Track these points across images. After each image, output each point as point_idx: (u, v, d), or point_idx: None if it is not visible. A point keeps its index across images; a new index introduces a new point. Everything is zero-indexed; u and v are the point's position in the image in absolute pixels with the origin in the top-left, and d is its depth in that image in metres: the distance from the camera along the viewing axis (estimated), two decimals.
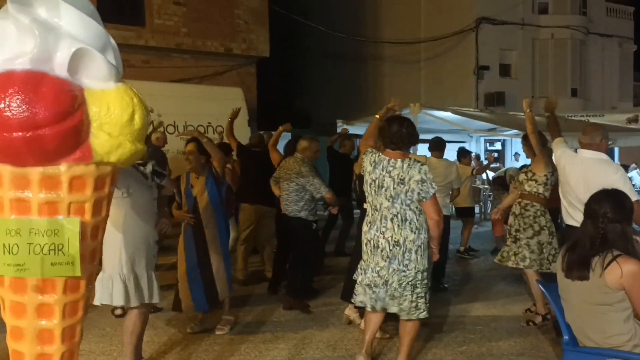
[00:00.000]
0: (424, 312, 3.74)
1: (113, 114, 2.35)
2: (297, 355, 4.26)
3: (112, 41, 2.17)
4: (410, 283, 3.68)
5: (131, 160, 2.52)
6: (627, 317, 2.46)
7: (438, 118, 11.74)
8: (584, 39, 19.40)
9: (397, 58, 18.83)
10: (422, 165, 3.66)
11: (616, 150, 15.86)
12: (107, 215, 2.47)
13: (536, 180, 5.02)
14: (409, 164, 3.64)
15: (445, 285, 6.22)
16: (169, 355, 4.27)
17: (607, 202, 2.55)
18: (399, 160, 3.67)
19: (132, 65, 11.63)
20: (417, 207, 3.67)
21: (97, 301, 3.57)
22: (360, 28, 19.24)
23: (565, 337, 2.64)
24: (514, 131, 12.11)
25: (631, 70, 21.20)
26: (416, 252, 3.66)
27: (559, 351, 4.25)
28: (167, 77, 12.09)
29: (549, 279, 4.88)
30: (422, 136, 4.72)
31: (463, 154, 9.11)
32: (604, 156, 4.20)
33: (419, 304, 3.71)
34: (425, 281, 3.74)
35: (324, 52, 20.08)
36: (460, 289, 6.32)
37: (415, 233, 3.67)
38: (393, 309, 3.74)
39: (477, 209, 12.76)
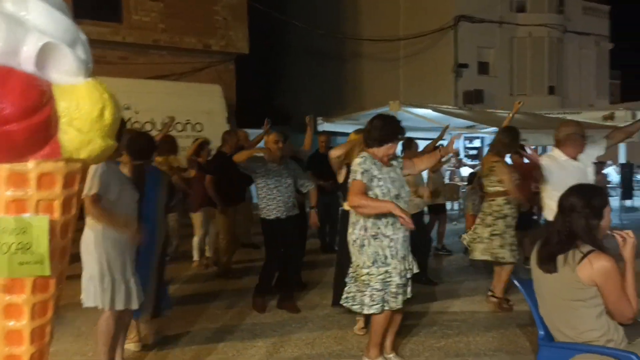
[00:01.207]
0: (362, 307, 3.69)
1: (83, 109, 2.30)
2: (276, 354, 4.25)
3: (82, 35, 2.13)
4: (352, 276, 3.77)
5: (102, 157, 2.47)
6: (600, 312, 2.49)
7: (417, 115, 11.80)
8: (561, 37, 19.66)
9: (376, 56, 18.89)
10: (359, 157, 3.70)
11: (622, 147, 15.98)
12: (77, 213, 2.43)
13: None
14: None
15: (432, 279, 6.31)
16: (145, 355, 4.22)
17: (573, 196, 2.60)
18: None
19: (109, 62, 11.50)
20: None
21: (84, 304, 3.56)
22: (341, 26, 19.26)
23: (541, 332, 2.67)
24: (493, 129, 12.20)
25: (607, 68, 21.55)
26: (352, 246, 3.72)
27: (536, 346, 4.32)
28: (144, 74, 11.98)
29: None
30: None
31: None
32: (550, 152, 4.46)
33: (359, 298, 3.69)
34: (364, 277, 3.67)
35: (304, 50, 20.08)
36: (438, 284, 6.35)
37: (350, 227, 3.76)
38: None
39: (457, 206, 12.90)
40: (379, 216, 3.62)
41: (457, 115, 12.64)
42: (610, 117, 15.56)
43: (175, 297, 5.77)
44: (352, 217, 3.78)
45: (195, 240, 7.30)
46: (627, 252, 2.51)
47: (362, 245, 3.67)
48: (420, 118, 11.62)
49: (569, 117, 14.61)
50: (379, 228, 3.64)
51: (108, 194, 3.49)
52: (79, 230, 3.57)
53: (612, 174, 14.66)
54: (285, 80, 21.04)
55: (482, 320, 5.08)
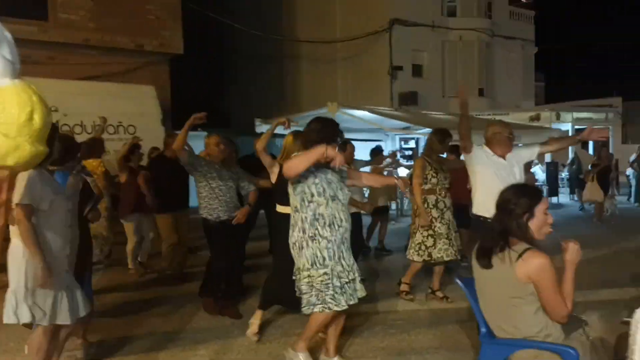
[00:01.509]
0: (309, 308, 3.67)
1: (9, 113, 2.16)
2: None
3: (8, 35, 2.00)
4: (297, 278, 3.77)
5: (31, 163, 2.33)
6: (538, 308, 2.57)
7: (355, 117, 11.93)
8: (489, 41, 20.40)
9: (314, 58, 18.97)
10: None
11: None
12: (5, 223, 2.29)
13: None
14: None
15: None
16: None
17: (507, 194, 2.71)
18: None
19: (36, 62, 10.93)
20: (293, 204, 3.73)
21: (4, 320, 3.32)
22: (279, 27, 19.20)
23: (483, 329, 2.73)
24: (427, 130, 12.51)
25: (533, 71, 22.54)
26: (292, 249, 3.73)
27: (476, 343, 4.43)
28: (74, 75, 11.48)
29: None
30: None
31: (375, 153, 9.27)
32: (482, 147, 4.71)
33: (306, 299, 3.68)
34: (306, 280, 3.66)
35: (243, 51, 19.90)
36: (379, 284, 6.42)
37: (290, 230, 3.78)
38: None
39: (393, 206, 13.11)
40: (316, 217, 3.62)
41: (393, 117, 12.88)
42: (537, 117, 16.36)
43: (112, 305, 5.57)
44: (292, 220, 3.76)
45: (129, 247, 7.03)
46: (568, 255, 2.61)
47: (301, 248, 3.66)
48: (358, 120, 11.75)
49: (498, 118, 15.23)
50: (316, 229, 3.63)
51: (41, 204, 3.30)
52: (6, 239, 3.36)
53: (538, 172, 15.35)
54: (225, 82, 20.78)
55: (423, 318, 5.17)
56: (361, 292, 3.82)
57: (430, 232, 5.50)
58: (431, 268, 5.79)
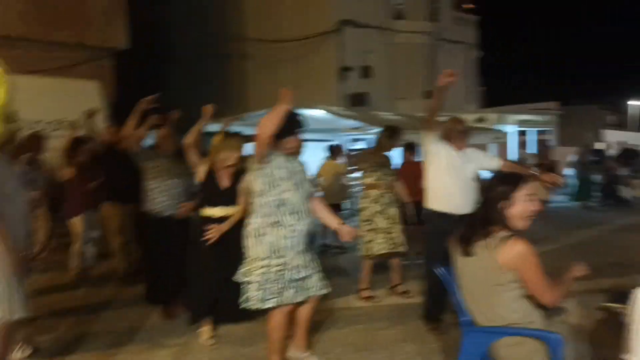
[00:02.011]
0: (261, 303, 3.54)
1: None
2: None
3: None
4: (244, 273, 3.63)
5: (4, 141, 2.14)
6: (519, 295, 2.56)
7: (306, 117, 11.85)
8: (434, 45, 20.79)
9: (262, 57, 18.78)
10: None
11: None
12: None
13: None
14: None
15: None
16: None
17: (490, 182, 2.73)
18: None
19: None
20: (257, 188, 3.62)
21: None
22: (225, 25, 18.92)
23: (463, 317, 2.70)
24: (378, 129, 12.61)
25: (475, 75, 23.14)
26: (249, 238, 3.61)
27: (438, 335, 4.45)
28: (12, 69, 10.82)
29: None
30: None
31: (334, 150, 9.26)
32: None
33: (256, 294, 3.55)
34: (261, 270, 3.53)
35: (189, 48, 19.47)
36: (336, 282, 6.34)
37: (251, 218, 3.66)
38: None
39: (347, 205, 13.12)
40: (282, 203, 3.51)
41: (345, 116, 12.92)
42: (481, 119, 16.82)
43: (60, 306, 5.26)
44: (254, 206, 3.62)
45: (76, 247, 6.62)
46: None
47: (262, 235, 3.53)
48: (307, 119, 11.68)
49: (441, 119, 15.54)
50: (281, 216, 3.52)
51: (4, 187, 3.04)
52: None
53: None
54: (170, 79, 20.24)
55: (385, 313, 5.15)
56: (324, 289, 3.73)
57: (372, 226, 5.53)
58: (389, 264, 5.78)
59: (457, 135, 4.61)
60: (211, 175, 4.35)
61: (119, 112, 12.90)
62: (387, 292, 5.73)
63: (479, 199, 2.72)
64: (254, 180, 3.57)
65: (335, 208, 8.63)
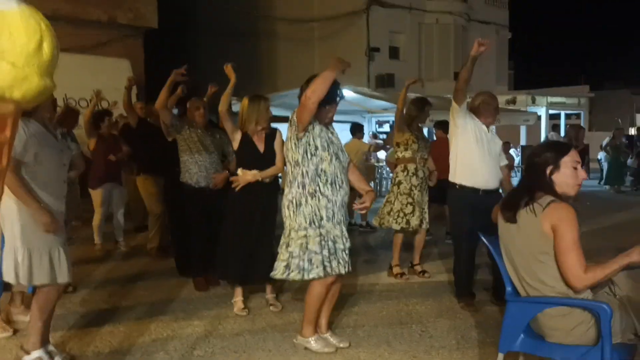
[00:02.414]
0: (302, 273, 3.48)
1: (17, 40, 1.94)
2: (215, 331, 3.99)
3: None
4: (285, 242, 3.57)
5: (38, 100, 2.13)
6: None
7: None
8: (465, 25, 20.44)
9: (291, 36, 18.68)
10: None
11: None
12: (8, 166, 2.08)
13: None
14: None
15: None
16: (71, 338, 3.82)
17: (534, 149, 2.66)
18: None
19: None
20: (293, 158, 3.54)
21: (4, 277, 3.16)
22: (254, 4, 18.82)
23: (508, 288, 2.64)
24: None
25: (506, 56, 22.72)
26: (287, 208, 3.55)
27: (471, 311, 4.40)
28: None
29: None
30: None
31: (357, 129, 9.17)
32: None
33: (297, 264, 3.50)
34: (301, 240, 3.48)
35: (217, 28, 19.45)
36: (367, 260, 6.34)
37: (286, 188, 3.62)
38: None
39: (372, 185, 13.06)
40: (319, 173, 3.47)
41: (374, 97, 12.80)
42: (513, 101, 16.52)
43: (89, 280, 5.33)
44: (290, 176, 3.58)
45: (95, 221, 6.63)
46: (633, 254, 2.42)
47: (299, 205, 3.48)
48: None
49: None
50: (318, 185, 3.47)
51: (24, 156, 3.07)
52: None
53: (514, 156, 15.55)
54: (197, 59, 20.27)
55: (416, 289, 5.11)
56: (348, 267, 3.63)
57: (410, 199, 5.47)
58: (412, 241, 5.71)
59: (490, 110, 4.49)
60: (246, 140, 4.36)
61: (148, 91, 13.01)
62: (408, 271, 5.65)
63: (525, 167, 2.66)
64: (292, 149, 3.53)
65: None
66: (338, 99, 3.58)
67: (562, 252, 2.39)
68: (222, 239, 4.52)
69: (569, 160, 2.56)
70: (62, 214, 3.30)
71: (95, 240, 6.66)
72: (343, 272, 3.54)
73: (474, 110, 4.58)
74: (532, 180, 2.57)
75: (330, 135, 3.59)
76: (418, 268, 5.66)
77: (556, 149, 2.61)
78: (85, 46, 12.08)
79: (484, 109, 4.52)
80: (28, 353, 3.25)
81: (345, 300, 4.65)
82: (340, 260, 3.51)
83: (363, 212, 3.83)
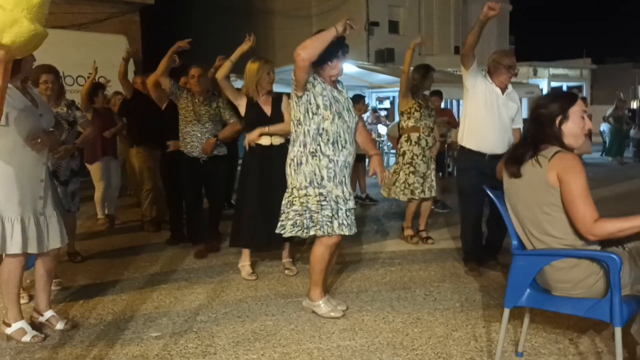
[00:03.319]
0: (304, 231, 3.46)
1: None
2: (218, 298, 3.97)
3: None
4: (288, 201, 3.53)
5: (29, 46, 2.05)
6: None
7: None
8: None
9: (288, 13, 18.47)
10: None
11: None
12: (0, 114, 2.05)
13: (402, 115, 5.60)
14: None
15: None
16: (73, 306, 3.80)
17: (538, 101, 2.60)
18: None
19: None
20: (295, 117, 3.49)
21: None
22: None
23: (514, 242, 2.59)
24: None
25: (507, 29, 22.47)
26: (289, 166, 3.51)
27: (475, 276, 4.37)
28: None
29: None
30: None
31: (356, 99, 9.08)
32: None
33: (300, 222, 3.47)
34: (302, 199, 3.44)
35: (213, 4, 19.20)
36: (368, 230, 6.30)
37: (290, 147, 3.59)
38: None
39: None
40: (320, 132, 3.40)
41: (375, 71, 12.68)
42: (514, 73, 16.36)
43: (89, 252, 5.30)
44: (292, 135, 3.55)
45: (97, 195, 6.61)
46: None
47: (300, 164, 3.44)
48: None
49: None
50: (319, 145, 3.41)
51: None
52: None
53: None
54: (193, 36, 20.06)
55: (419, 256, 5.08)
56: (353, 229, 3.53)
57: (412, 169, 5.46)
58: (418, 209, 5.68)
59: (500, 69, 4.35)
60: (251, 104, 4.32)
61: (145, 67, 12.88)
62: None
63: (529, 119, 2.58)
64: (294, 107, 3.46)
65: (360, 160, 8.50)
66: (341, 54, 3.48)
67: (571, 201, 2.33)
68: (236, 205, 4.58)
69: (577, 110, 2.50)
70: (41, 181, 3.21)
71: (98, 215, 6.65)
72: (346, 233, 3.48)
73: (488, 72, 4.46)
74: (538, 132, 2.51)
75: (335, 93, 3.49)
76: (423, 234, 5.65)
77: (564, 99, 2.54)
78: (82, 23, 11.93)
79: (494, 69, 4.37)
80: (9, 326, 3.22)
81: (348, 268, 4.64)
82: (343, 221, 3.45)
83: (380, 182, 3.75)
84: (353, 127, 3.57)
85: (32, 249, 3.16)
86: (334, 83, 3.53)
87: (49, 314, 3.40)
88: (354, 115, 3.59)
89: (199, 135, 5.00)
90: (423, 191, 5.47)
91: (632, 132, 14.52)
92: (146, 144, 6.21)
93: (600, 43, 50.13)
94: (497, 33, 21.60)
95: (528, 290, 2.55)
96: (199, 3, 19.90)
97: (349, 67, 11.50)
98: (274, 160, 4.20)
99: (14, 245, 3.08)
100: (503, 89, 4.41)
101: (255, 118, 4.31)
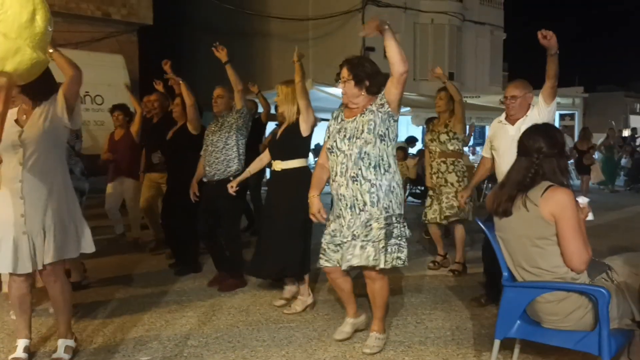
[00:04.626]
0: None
1: (9, 10, 1.92)
2: (209, 322, 3.96)
3: None
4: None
5: (31, 73, 2.09)
6: None
7: (330, 94, 11.77)
8: (460, 25, 20.45)
9: (285, 35, 18.62)
10: None
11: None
12: None
13: (458, 139, 5.40)
14: None
15: None
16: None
17: (540, 136, 2.56)
18: None
19: None
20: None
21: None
22: (248, 2, 18.78)
23: (505, 273, 2.62)
24: (406, 109, 12.48)
25: (501, 57, 22.75)
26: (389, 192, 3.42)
27: (467, 304, 4.38)
28: None
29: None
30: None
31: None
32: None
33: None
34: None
35: (211, 26, 19.38)
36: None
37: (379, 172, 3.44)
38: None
39: None
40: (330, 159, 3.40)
41: None
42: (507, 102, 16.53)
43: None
44: (377, 160, 3.33)
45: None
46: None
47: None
48: (335, 97, 11.58)
49: (469, 101, 15.33)
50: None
51: None
52: None
53: None
54: (190, 56, 20.23)
55: (412, 283, 5.08)
56: (372, 261, 3.20)
57: (430, 192, 5.56)
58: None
59: (506, 105, 4.13)
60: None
61: (141, 86, 12.94)
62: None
63: (525, 155, 2.59)
64: (391, 131, 3.38)
65: None
66: (338, 76, 3.53)
67: (569, 237, 2.40)
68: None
69: (564, 147, 2.56)
70: (21, 198, 3.08)
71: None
72: (330, 265, 3.43)
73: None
74: (547, 169, 2.50)
75: (345, 120, 3.42)
76: (451, 265, 5.51)
77: (552, 135, 2.57)
78: (79, 42, 12.00)
79: (505, 105, 4.18)
80: None
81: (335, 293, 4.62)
82: (333, 253, 3.40)
83: None
84: (355, 152, 3.35)
85: (6, 268, 3.08)
86: (360, 108, 3.44)
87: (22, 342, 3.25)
88: (355, 140, 3.38)
89: (210, 157, 4.75)
90: (436, 215, 5.45)
91: (623, 161, 14.66)
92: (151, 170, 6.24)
93: (592, 71, 50.82)
94: (490, 62, 21.91)
95: (518, 321, 2.58)
96: (196, 25, 20.09)
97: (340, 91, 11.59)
98: (273, 188, 4.35)
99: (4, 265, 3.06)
100: (512, 122, 4.15)
101: (290, 139, 4.26)
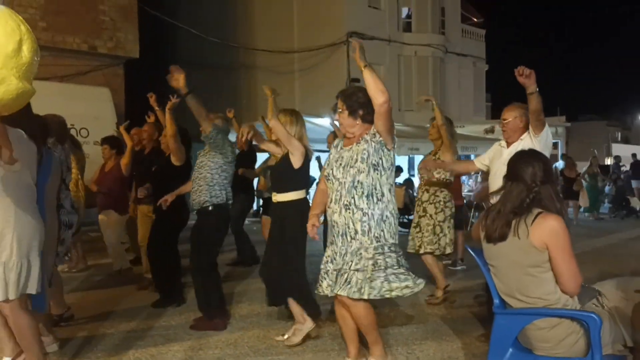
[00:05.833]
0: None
1: None
2: (195, 356, 3.87)
3: None
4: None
5: (17, 102, 2.07)
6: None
7: (316, 125, 11.86)
8: (443, 57, 20.85)
9: (271, 68, 18.83)
10: None
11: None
12: None
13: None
14: None
15: None
16: None
17: (531, 162, 2.55)
18: None
19: None
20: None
21: None
22: (234, 36, 19.00)
23: (496, 300, 2.60)
24: None
25: (484, 87, 23.17)
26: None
27: (458, 333, 4.34)
28: None
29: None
30: None
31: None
32: None
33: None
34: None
35: (197, 59, 19.53)
36: None
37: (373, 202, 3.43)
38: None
39: None
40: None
41: None
42: (491, 130, 16.73)
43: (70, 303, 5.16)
44: (372, 190, 3.31)
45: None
46: None
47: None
48: (322, 127, 11.67)
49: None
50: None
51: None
52: None
53: None
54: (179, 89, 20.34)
55: (401, 311, 5.04)
56: (365, 293, 3.13)
57: (415, 221, 5.53)
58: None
59: (502, 127, 4.17)
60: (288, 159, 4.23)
61: (127, 119, 12.92)
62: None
63: (509, 179, 2.60)
64: (387, 166, 3.40)
65: None
66: (335, 106, 3.55)
67: (565, 261, 2.41)
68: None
69: (553, 174, 2.58)
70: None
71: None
72: (326, 293, 3.39)
73: None
74: (545, 196, 2.49)
75: (344, 153, 3.40)
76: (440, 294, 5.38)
77: (542, 162, 2.58)
78: (65, 75, 12.01)
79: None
80: None
81: (326, 324, 4.56)
82: (327, 282, 3.37)
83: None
84: (350, 179, 3.35)
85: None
86: (355, 137, 3.44)
87: None
88: (348, 169, 3.37)
89: (194, 186, 4.61)
90: (415, 246, 5.43)
91: (607, 188, 14.84)
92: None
93: (573, 102, 51.81)
94: (473, 92, 22.29)
95: (511, 349, 2.55)
96: (183, 57, 20.20)
97: (328, 122, 11.69)
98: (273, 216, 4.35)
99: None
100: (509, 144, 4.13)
101: (290, 171, 4.22)
